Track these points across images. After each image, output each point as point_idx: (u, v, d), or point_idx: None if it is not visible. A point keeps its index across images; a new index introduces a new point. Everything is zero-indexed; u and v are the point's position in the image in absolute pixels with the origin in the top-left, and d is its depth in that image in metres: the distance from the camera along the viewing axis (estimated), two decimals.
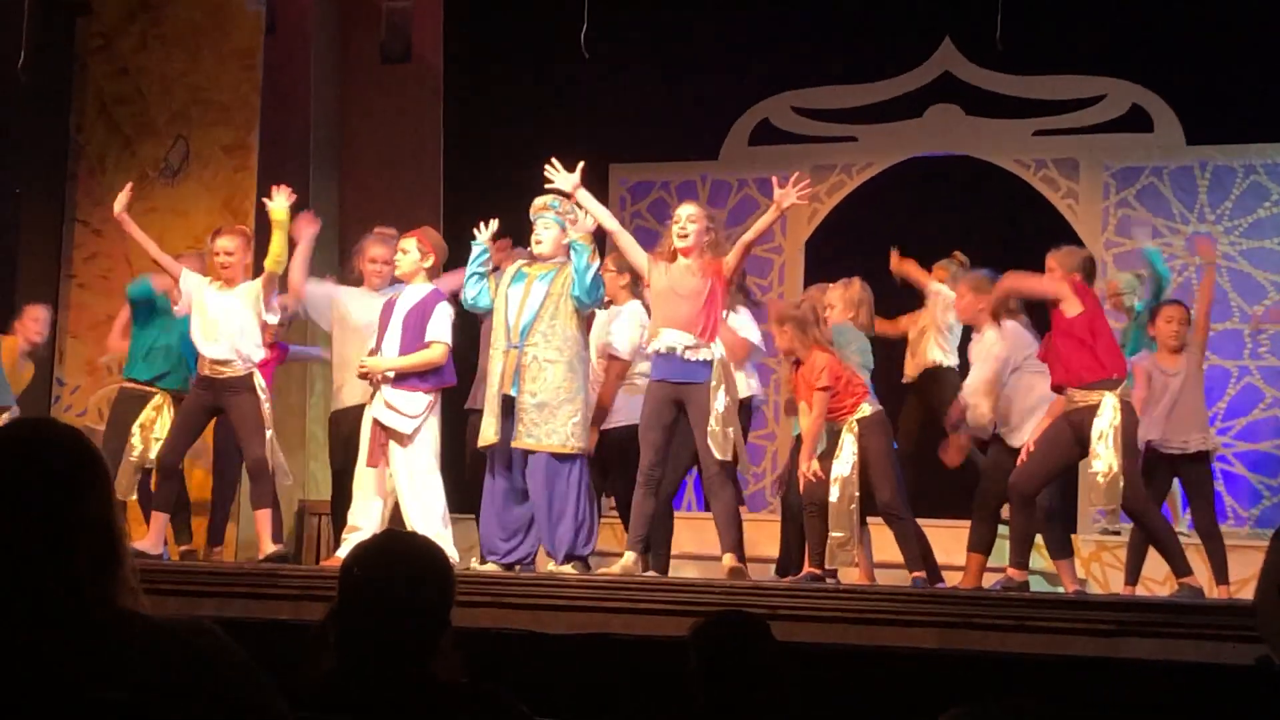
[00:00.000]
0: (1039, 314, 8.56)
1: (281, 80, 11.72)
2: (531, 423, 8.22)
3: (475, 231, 8.61)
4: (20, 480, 2.19)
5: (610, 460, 8.94)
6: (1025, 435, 8.24)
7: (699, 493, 8.89)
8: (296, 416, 11.68)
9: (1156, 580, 9.55)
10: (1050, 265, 8.17)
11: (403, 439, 8.46)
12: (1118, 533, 9.75)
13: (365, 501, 8.52)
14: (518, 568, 8.33)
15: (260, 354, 9.03)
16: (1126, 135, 11.95)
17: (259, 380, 8.96)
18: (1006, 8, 9.68)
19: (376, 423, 8.47)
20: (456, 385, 8.78)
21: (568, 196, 8.35)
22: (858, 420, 8.19)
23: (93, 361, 11.41)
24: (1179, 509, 9.38)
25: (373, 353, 8.57)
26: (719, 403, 8.00)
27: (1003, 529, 8.81)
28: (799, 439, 9.09)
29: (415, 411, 8.50)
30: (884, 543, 8.41)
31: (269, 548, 8.91)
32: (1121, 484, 7.73)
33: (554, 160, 8.28)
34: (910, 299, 9.87)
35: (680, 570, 8.99)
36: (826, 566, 8.26)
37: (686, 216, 8.25)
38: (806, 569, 8.32)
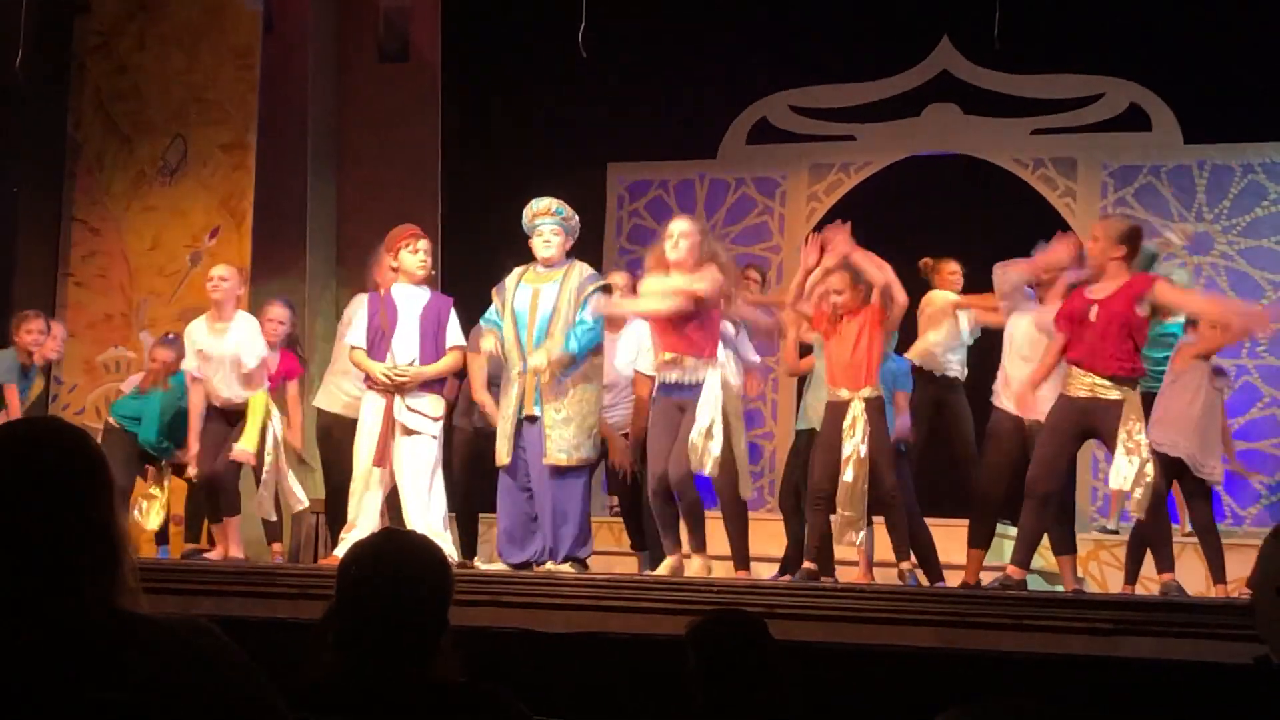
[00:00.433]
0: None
1: (279, 79, 11.72)
2: (560, 439, 8.28)
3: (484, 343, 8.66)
4: (23, 479, 2.19)
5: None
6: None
7: (702, 491, 8.86)
8: None
9: (1154, 578, 9.56)
10: (1095, 234, 8.07)
11: (418, 441, 8.50)
12: (1115, 531, 9.78)
13: (364, 500, 8.52)
14: (535, 567, 8.36)
15: (262, 381, 9.17)
16: (1125, 134, 11.95)
17: (270, 406, 9.15)
18: (1005, 7, 9.68)
19: (395, 425, 8.48)
20: None
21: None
22: (864, 399, 8.17)
23: (90, 360, 11.41)
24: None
25: (374, 353, 8.56)
26: (703, 417, 8.02)
27: (1004, 527, 8.81)
28: (799, 435, 9.10)
29: (437, 414, 8.64)
30: (886, 542, 8.40)
31: (234, 552, 9.08)
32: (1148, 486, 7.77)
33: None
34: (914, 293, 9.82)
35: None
36: (836, 541, 8.26)
37: (679, 233, 8.26)
38: (805, 564, 8.32)
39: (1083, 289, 7.97)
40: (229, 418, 9.20)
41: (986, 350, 9.33)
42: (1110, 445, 7.80)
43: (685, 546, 8.33)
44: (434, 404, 8.61)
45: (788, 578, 8.54)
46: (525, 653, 6.30)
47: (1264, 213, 11.66)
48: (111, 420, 9.60)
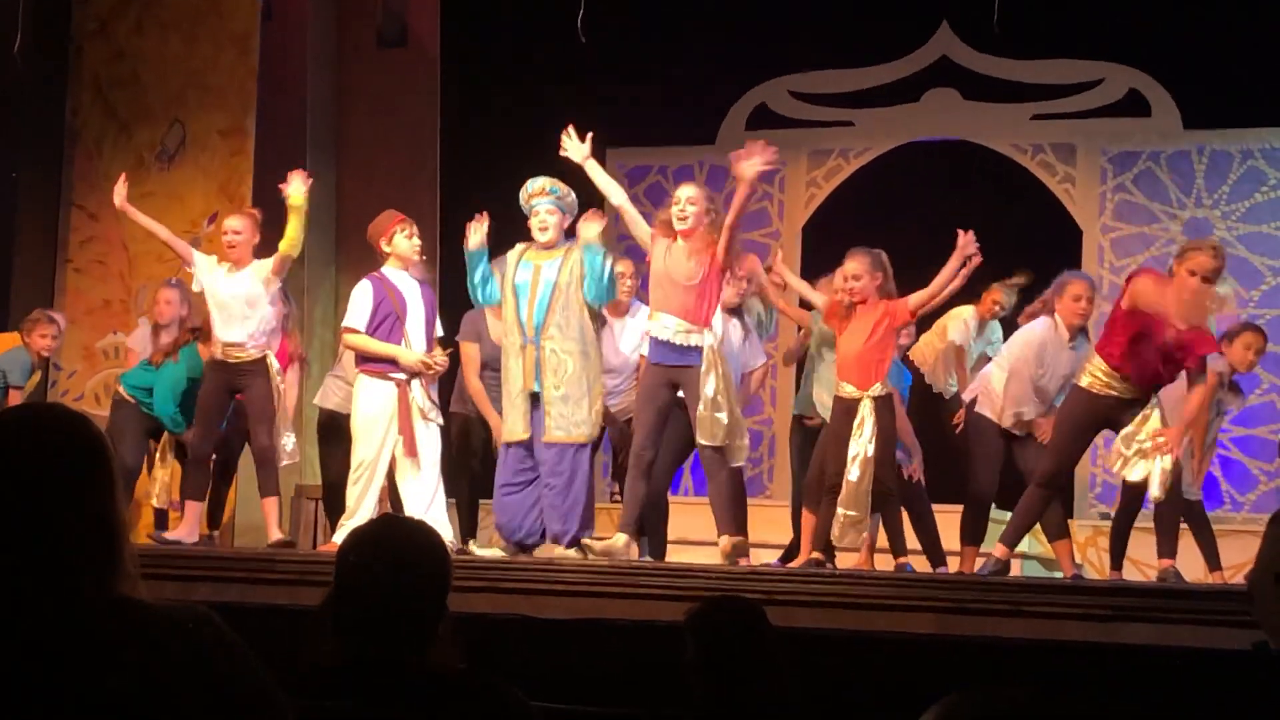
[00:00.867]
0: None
1: (278, 65, 11.71)
2: (559, 415, 8.27)
3: (470, 233, 8.55)
4: (23, 465, 2.18)
5: (617, 445, 9.07)
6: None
7: (696, 477, 8.89)
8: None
9: (1151, 565, 9.57)
10: (1180, 272, 7.93)
11: (429, 428, 8.56)
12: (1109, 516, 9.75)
13: (367, 488, 8.52)
14: (535, 551, 8.37)
15: (274, 336, 9.08)
16: (1124, 120, 11.95)
17: (273, 363, 9.01)
18: None
19: (418, 414, 8.49)
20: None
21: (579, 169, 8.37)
22: (872, 397, 8.16)
23: (89, 346, 11.41)
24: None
25: (383, 339, 8.56)
26: (709, 387, 8.00)
27: (997, 514, 8.82)
28: (795, 419, 9.12)
29: (439, 403, 8.69)
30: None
31: (275, 535, 8.97)
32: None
33: (571, 129, 8.28)
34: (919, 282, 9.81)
35: (676, 556, 8.98)
36: (838, 544, 8.27)
37: (686, 199, 8.23)
38: (809, 554, 8.31)
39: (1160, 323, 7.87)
40: (232, 386, 9.09)
41: None
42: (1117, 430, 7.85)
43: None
44: (435, 393, 8.66)
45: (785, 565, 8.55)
46: (523, 639, 6.30)
47: (1263, 198, 11.66)
48: (123, 392, 9.48)
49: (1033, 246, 11.02)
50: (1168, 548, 8.07)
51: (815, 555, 8.24)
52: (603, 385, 8.55)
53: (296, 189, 8.95)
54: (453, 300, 9.45)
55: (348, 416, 8.85)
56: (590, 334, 8.40)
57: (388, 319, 8.54)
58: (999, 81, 12.17)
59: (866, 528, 8.16)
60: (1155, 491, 7.89)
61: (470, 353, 9.08)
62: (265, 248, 9.16)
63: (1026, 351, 8.55)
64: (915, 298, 8.26)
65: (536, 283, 8.40)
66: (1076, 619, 6.57)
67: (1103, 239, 11.84)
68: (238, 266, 9.04)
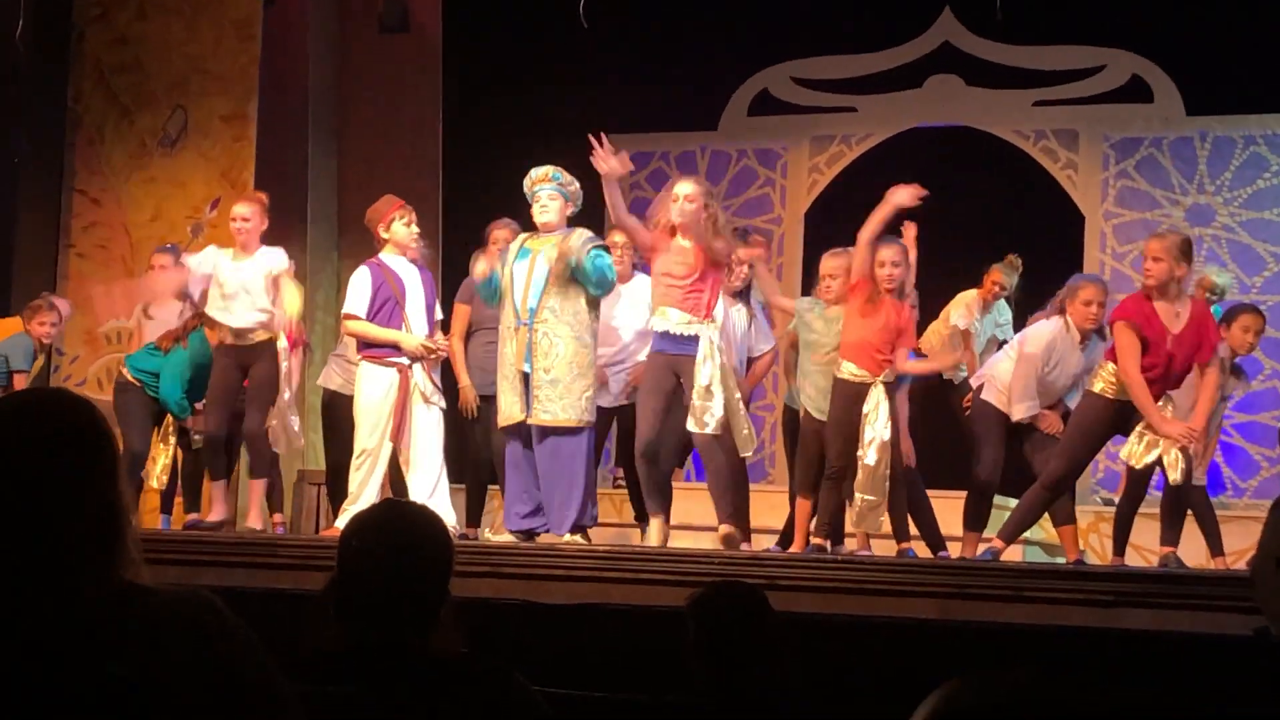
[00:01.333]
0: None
1: (280, 50, 11.70)
2: (546, 399, 8.30)
3: (476, 263, 8.61)
4: (26, 450, 2.19)
5: (624, 432, 9.09)
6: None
7: (696, 463, 8.90)
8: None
9: (1154, 551, 9.58)
10: (1158, 254, 7.99)
11: (431, 412, 8.58)
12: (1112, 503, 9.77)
13: (370, 473, 8.54)
14: (537, 537, 8.39)
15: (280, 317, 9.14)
16: (1126, 106, 11.94)
17: (282, 345, 9.03)
18: None
19: (419, 398, 8.51)
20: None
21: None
22: (885, 383, 8.18)
23: (92, 331, 11.41)
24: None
25: (382, 324, 8.58)
26: (703, 376, 8.03)
27: (1001, 500, 8.83)
28: (786, 409, 9.12)
29: (442, 388, 8.73)
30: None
31: (255, 521, 9.02)
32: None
33: (603, 136, 8.29)
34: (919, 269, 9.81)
35: (678, 541, 8.99)
36: (855, 530, 8.30)
37: (684, 196, 8.25)
38: (813, 540, 8.33)
39: (1153, 312, 7.90)
40: (242, 365, 9.12)
41: None
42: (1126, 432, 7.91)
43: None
44: (438, 377, 8.70)
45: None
46: (526, 624, 6.31)
47: (1265, 185, 11.65)
48: (128, 375, 9.49)
49: (1035, 233, 11.03)
50: (1172, 535, 8.11)
51: (818, 541, 8.26)
52: (596, 371, 8.57)
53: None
54: (454, 286, 9.46)
55: (349, 398, 8.88)
56: (586, 320, 8.42)
57: (387, 304, 8.57)
58: (1001, 67, 12.16)
59: (884, 511, 8.18)
60: (1175, 476, 7.91)
61: (460, 313, 9.14)
62: (273, 233, 9.21)
63: (1035, 349, 8.55)
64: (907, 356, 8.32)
65: (533, 267, 8.43)
66: (1078, 604, 6.57)
67: (1105, 225, 11.83)
68: (245, 252, 9.07)
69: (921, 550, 8.49)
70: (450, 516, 8.25)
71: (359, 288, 8.68)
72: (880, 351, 8.20)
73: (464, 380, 9.08)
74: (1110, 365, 7.97)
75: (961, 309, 9.70)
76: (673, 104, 12.66)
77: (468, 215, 11.00)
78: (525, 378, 8.36)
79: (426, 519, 3.14)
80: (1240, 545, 8.39)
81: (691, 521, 9.57)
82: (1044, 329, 8.64)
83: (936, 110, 12.32)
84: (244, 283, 9.00)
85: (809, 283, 9.56)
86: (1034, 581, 6.91)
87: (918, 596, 6.77)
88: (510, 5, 12.50)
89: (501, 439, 8.62)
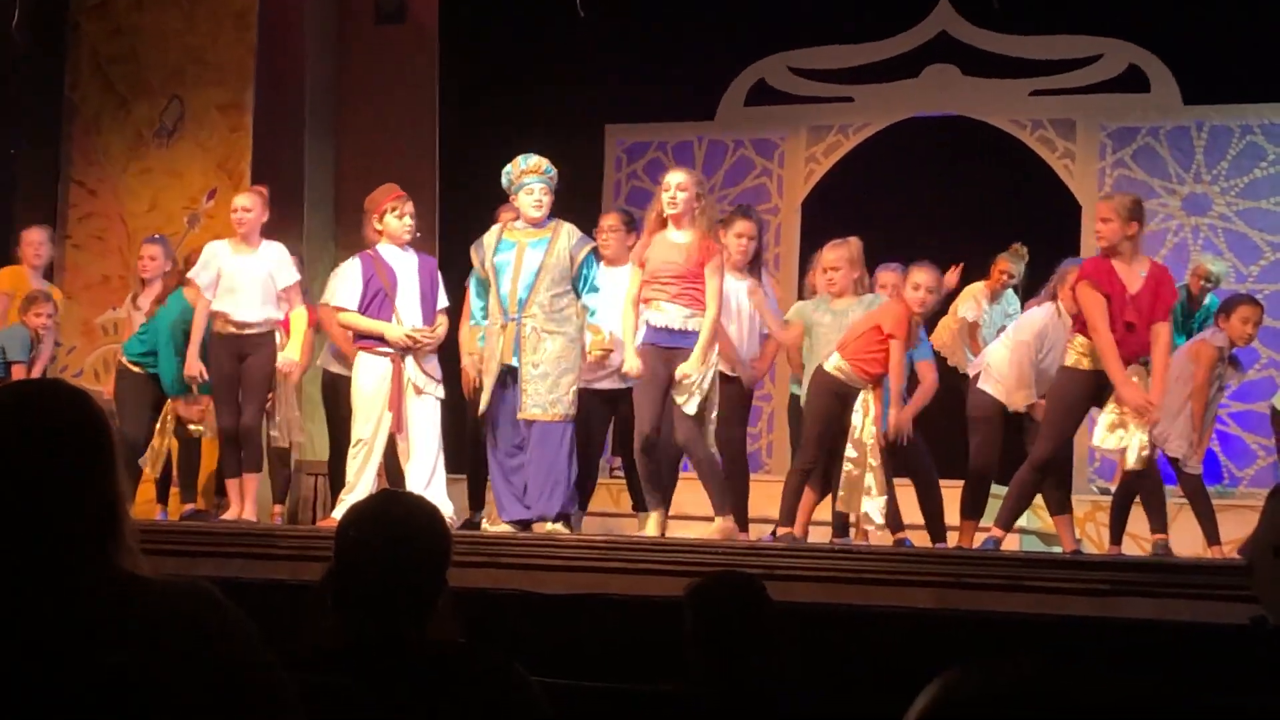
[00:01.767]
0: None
1: (276, 41, 11.68)
2: (535, 393, 8.33)
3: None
4: (24, 440, 2.19)
5: (624, 420, 9.08)
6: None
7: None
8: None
9: (1151, 540, 9.58)
10: (1107, 215, 8.06)
11: (427, 402, 8.59)
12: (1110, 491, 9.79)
13: (365, 463, 8.56)
14: (534, 527, 8.40)
15: (279, 313, 9.21)
16: (1123, 95, 11.93)
17: (279, 339, 9.10)
18: None
19: (411, 389, 8.52)
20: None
21: None
22: (875, 388, 8.25)
23: (89, 322, 11.41)
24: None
25: (374, 316, 8.58)
26: (694, 358, 8.05)
27: (998, 489, 8.83)
28: (793, 399, 9.13)
29: (440, 375, 8.74)
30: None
31: (249, 511, 9.06)
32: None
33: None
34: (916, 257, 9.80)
35: (674, 531, 8.99)
36: (843, 508, 8.31)
37: (676, 185, 8.24)
38: (780, 530, 8.40)
39: (1112, 269, 7.93)
40: (240, 354, 9.14)
41: None
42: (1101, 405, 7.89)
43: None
44: (437, 367, 8.71)
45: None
46: (524, 614, 6.32)
47: (1262, 174, 11.65)
48: (126, 363, 9.52)
49: (1032, 222, 11.03)
50: (1158, 521, 8.11)
51: (787, 530, 8.31)
52: (579, 358, 8.59)
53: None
54: (450, 279, 9.45)
55: (347, 380, 8.93)
56: (573, 316, 8.46)
57: (377, 296, 8.60)
58: (998, 57, 12.15)
59: (867, 489, 8.21)
60: (1131, 463, 7.95)
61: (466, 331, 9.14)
62: (270, 223, 9.25)
63: (1027, 336, 8.58)
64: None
65: (521, 261, 8.43)
66: (1076, 594, 6.58)
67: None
68: (245, 244, 9.11)
69: (918, 540, 8.51)
70: (447, 506, 8.25)
71: (350, 280, 8.70)
72: (875, 352, 8.24)
73: (466, 360, 9.07)
74: (1079, 338, 7.97)
75: (969, 301, 9.73)
76: (669, 94, 12.65)
77: (465, 204, 11.00)
78: (510, 371, 8.38)
79: (424, 509, 3.14)
80: (1237, 534, 8.38)
81: (689, 511, 9.57)
82: (1035, 315, 8.67)
83: (933, 100, 12.31)
84: (247, 277, 9.04)
85: (806, 272, 9.57)
86: (1031, 571, 6.92)
87: (915, 586, 6.78)
88: None
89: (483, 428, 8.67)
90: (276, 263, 9.16)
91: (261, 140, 11.34)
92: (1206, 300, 9.61)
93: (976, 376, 8.75)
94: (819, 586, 6.75)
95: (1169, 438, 8.45)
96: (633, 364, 8.13)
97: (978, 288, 9.81)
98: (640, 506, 8.74)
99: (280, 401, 9.39)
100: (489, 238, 8.60)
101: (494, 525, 8.78)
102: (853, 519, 8.42)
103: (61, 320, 10.85)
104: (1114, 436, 7.90)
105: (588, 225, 8.96)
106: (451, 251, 10.05)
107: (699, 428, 8.14)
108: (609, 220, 9.35)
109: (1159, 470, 8.37)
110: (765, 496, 9.42)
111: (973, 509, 8.56)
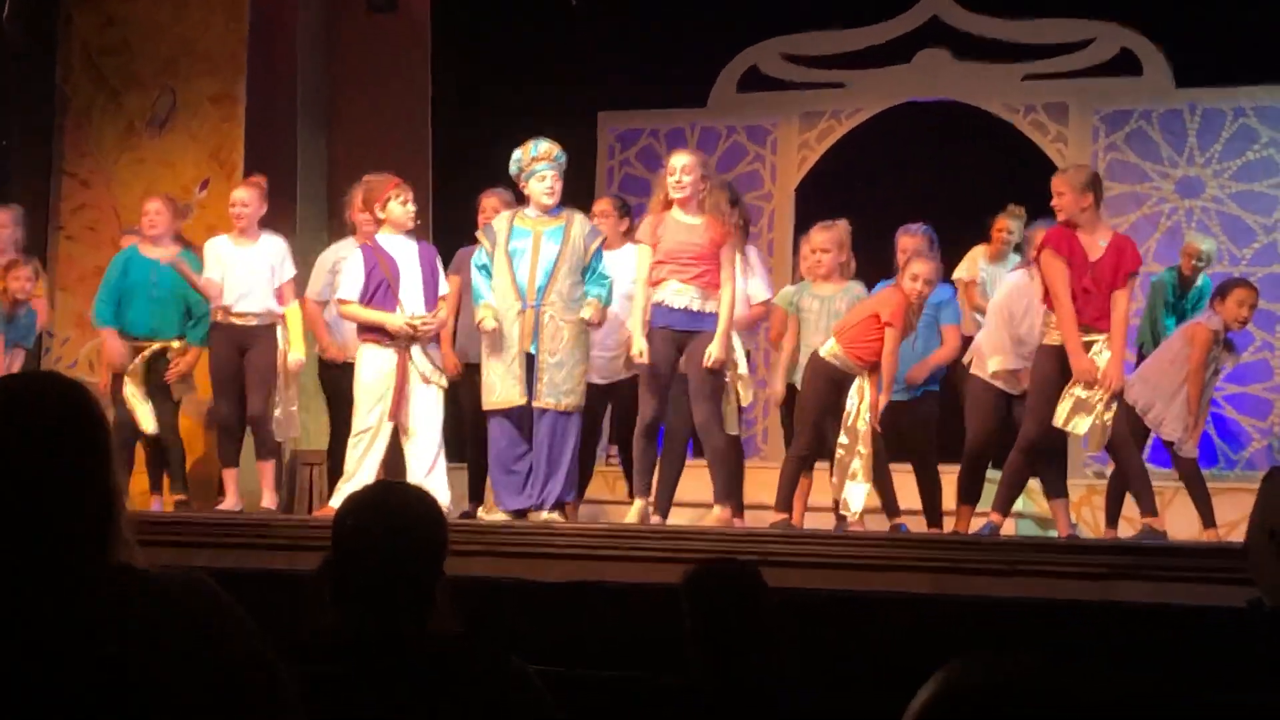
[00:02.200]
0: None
1: (268, 31, 11.66)
2: (551, 382, 8.34)
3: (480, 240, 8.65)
4: (19, 433, 2.18)
5: (620, 409, 9.09)
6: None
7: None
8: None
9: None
10: (1060, 189, 8.10)
11: (430, 391, 8.60)
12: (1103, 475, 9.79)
13: (366, 452, 8.56)
14: (530, 515, 8.41)
15: (292, 297, 9.26)
16: (1115, 79, 11.92)
17: (280, 331, 9.10)
18: None
19: (418, 377, 8.52)
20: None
21: None
22: (869, 376, 8.25)
23: (82, 313, 11.39)
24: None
25: (377, 306, 8.58)
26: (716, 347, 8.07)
27: (993, 473, 8.84)
28: (789, 387, 9.13)
29: (441, 365, 8.73)
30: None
31: (270, 502, 9.08)
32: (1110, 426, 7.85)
33: None
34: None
35: (671, 518, 9.00)
36: (836, 481, 8.33)
37: (681, 168, 8.25)
38: (783, 516, 8.40)
39: (1076, 240, 7.98)
40: (241, 346, 9.15)
41: None
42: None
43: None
44: (438, 356, 8.74)
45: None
46: (521, 603, 6.32)
47: (1255, 156, 11.64)
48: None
49: (1026, 207, 11.01)
50: (1147, 504, 8.10)
51: (783, 516, 8.32)
52: (589, 348, 8.61)
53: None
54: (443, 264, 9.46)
55: (349, 369, 8.94)
56: (583, 304, 8.47)
57: (380, 287, 8.59)
58: (991, 41, 12.14)
59: (859, 474, 8.21)
60: (1092, 448, 7.98)
61: (452, 284, 9.12)
62: (265, 216, 9.29)
63: (1001, 299, 8.64)
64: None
65: (538, 249, 8.44)
66: (1072, 578, 6.59)
67: None
68: (244, 237, 9.14)
69: (915, 525, 8.52)
70: (445, 496, 8.27)
71: (352, 272, 8.69)
72: (871, 339, 8.25)
73: (445, 349, 9.06)
74: (1051, 315, 7.99)
75: (968, 263, 9.74)
76: (662, 81, 12.63)
77: (458, 193, 10.99)
78: (528, 359, 8.38)
79: (421, 499, 3.14)
80: (1232, 517, 8.40)
81: (685, 497, 9.58)
82: (1010, 280, 8.72)
83: (926, 85, 12.30)
84: (246, 269, 9.09)
85: (798, 259, 9.56)
86: (1028, 555, 6.93)
87: (912, 571, 6.78)
88: None
89: (488, 417, 8.64)
90: (277, 256, 9.20)
91: (254, 131, 11.32)
92: (1199, 281, 9.62)
93: (970, 362, 8.75)
94: (816, 573, 6.75)
95: (1164, 420, 8.46)
96: (640, 346, 8.14)
97: (978, 251, 9.85)
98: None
99: (280, 397, 9.38)
100: (500, 223, 8.59)
101: (490, 514, 8.78)
102: (840, 506, 8.43)
103: (57, 314, 10.87)
104: (1075, 418, 7.89)
105: (580, 210, 8.96)
106: (443, 239, 10.04)
107: (717, 411, 8.15)
108: (601, 206, 9.40)
109: (1138, 453, 8.36)
110: (762, 484, 9.42)
111: (968, 493, 8.56)
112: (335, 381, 9.54)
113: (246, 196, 9.22)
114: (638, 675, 4.39)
